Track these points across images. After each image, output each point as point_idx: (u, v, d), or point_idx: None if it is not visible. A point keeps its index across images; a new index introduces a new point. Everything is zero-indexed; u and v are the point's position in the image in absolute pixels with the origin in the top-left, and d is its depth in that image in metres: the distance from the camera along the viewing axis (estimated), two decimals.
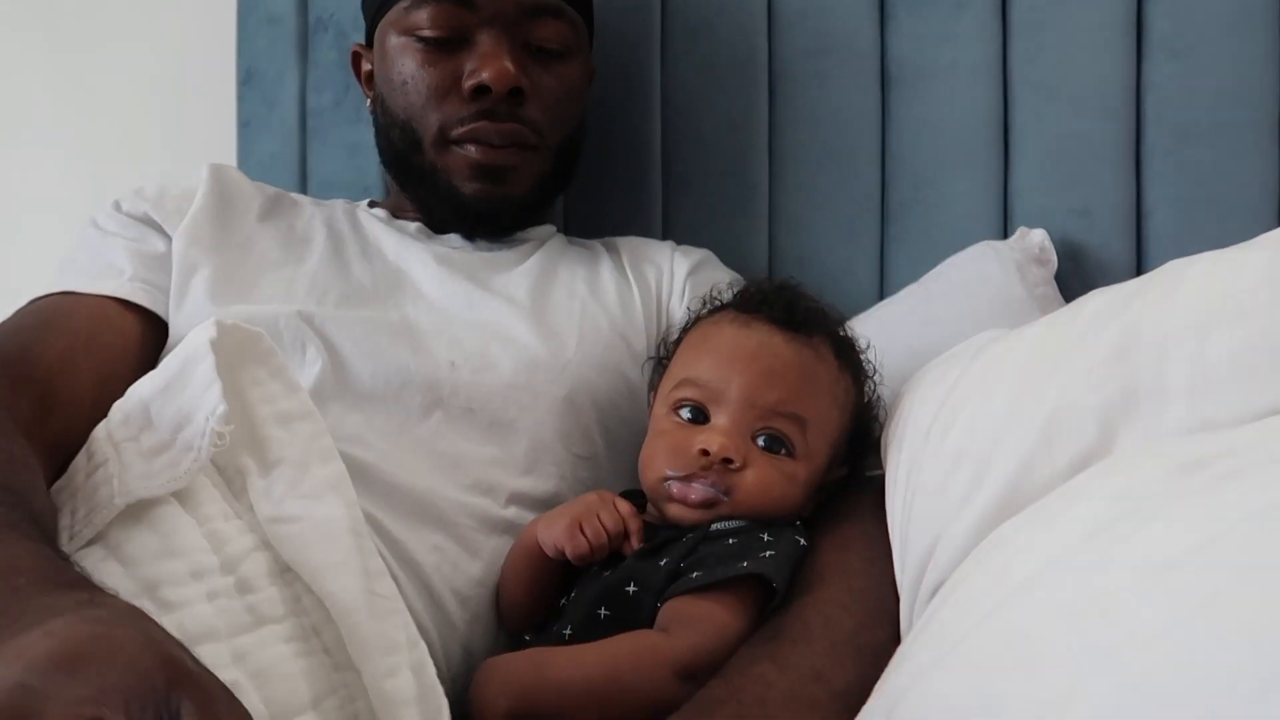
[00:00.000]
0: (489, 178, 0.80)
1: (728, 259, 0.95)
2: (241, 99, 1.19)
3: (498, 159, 0.79)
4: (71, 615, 0.38)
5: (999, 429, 0.49)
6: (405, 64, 0.81)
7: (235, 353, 0.60)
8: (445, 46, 0.80)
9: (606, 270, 0.85)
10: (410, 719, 0.51)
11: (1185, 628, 0.27)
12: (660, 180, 1.01)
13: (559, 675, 0.51)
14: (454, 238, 0.85)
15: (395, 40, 0.82)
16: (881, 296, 0.94)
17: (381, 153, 0.87)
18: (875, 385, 0.68)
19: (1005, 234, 0.90)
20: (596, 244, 0.91)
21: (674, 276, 0.85)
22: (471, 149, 0.79)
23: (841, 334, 0.67)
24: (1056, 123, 0.88)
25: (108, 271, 0.73)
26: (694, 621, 0.53)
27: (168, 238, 0.76)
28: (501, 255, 0.84)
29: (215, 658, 0.51)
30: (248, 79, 1.19)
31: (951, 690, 0.33)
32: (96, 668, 0.35)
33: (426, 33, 0.80)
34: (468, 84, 0.78)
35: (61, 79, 1.37)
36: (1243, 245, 0.48)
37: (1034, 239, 0.84)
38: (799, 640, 0.50)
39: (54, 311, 0.70)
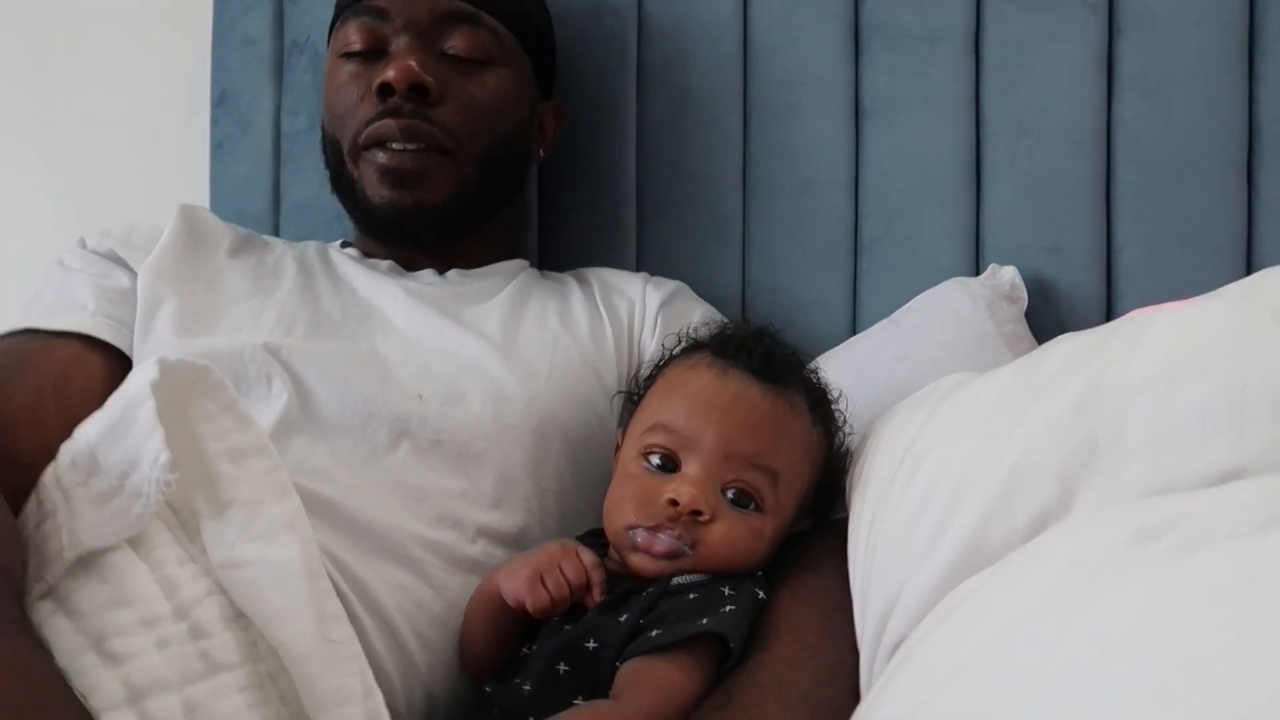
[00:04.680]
0: (398, 184, 0.79)
1: (701, 289, 0.95)
2: (215, 121, 1.18)
3: (403, 163, 0.78)
4: None
5: (962, 480, 0.48)
6: (334, 80, 0.83)
7: (183, 388, 0.59)
8: (366, 58, 0.81)
9: (578, 302, 0.84)
10: None
11: (1131, 716, 0.27)
12: (635, 209, 1.01)
13: None
14: (426, 274, 0.84)
15: (331, 62, 0.84)
16: (854, 329, 0.94)
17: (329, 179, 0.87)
18: (845, 436, 0.67)
19: (977, 268, 0.90)
20: (568, 276, 0.91)
21: (646, 309, 0.85)
22: (379, 154, 0.79)
23: (816, 384, 0.67)
24: (1028, 159, 0.88)
25: (71, 307, 0.72)
26: (648, 687, 0.52)
27: (133, 273, 0.75)
28: (473, 288, 0.83)
29: (166, 711, 0.50)
30: (221, 101, 1.18)
31: None
32: None
33: (351, 47, 0.82)
34: (374, 83, 0.79)
35: (33, 96, 1.35)
36: (1208, 296, 0.48)
37: (1004, 276, 0.84)
38: (750, 705, 0.50)
39: (22, 354, 0.68)
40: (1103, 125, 0.87)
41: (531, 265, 0.94)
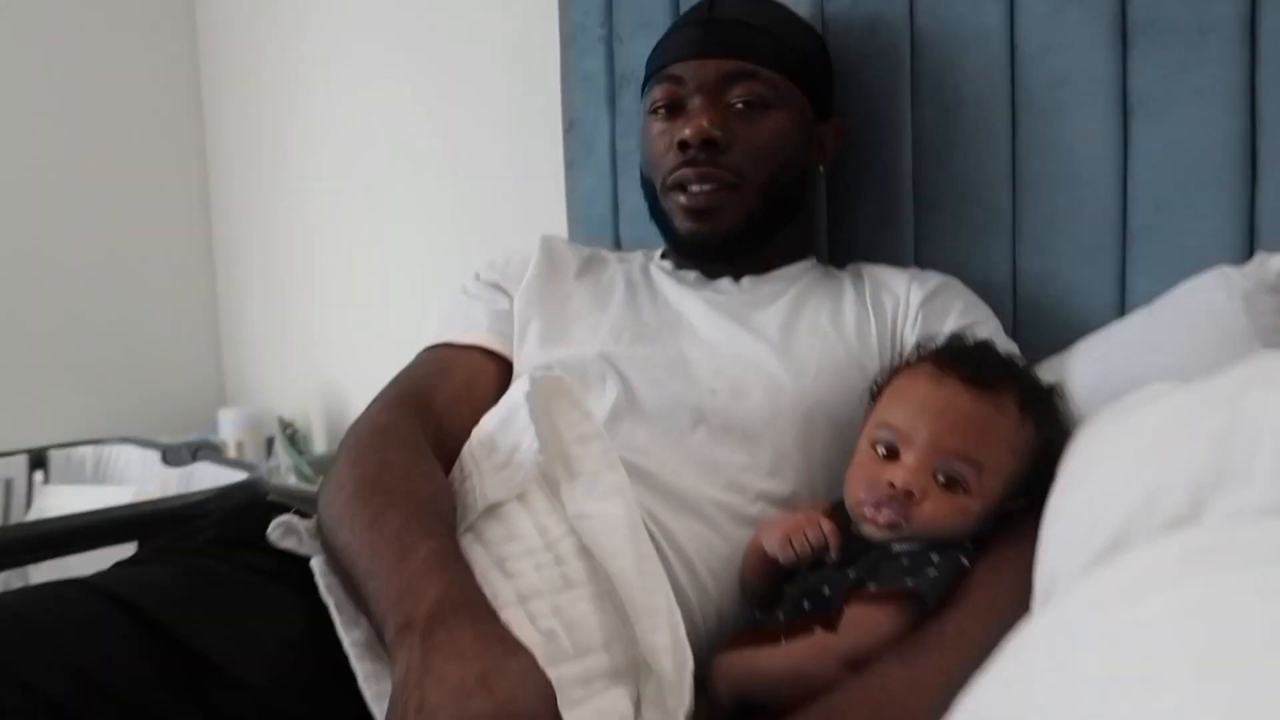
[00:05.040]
0: (695, 217, 0.99)
1: (974, 278, 1.05)
2: (566, 145, 1.46)
3: (699, 201, 0.98)
4: (477, 654, 0.60)
5: (1116, 490, 0.58)
6: (647, 131, 1.04)
7: (549, 392, 0.84)
8: (669, 114, 1.01)
9: (849, 302, 0.99)
10: (665, 663, 0.71)
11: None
12: (912, 206, 1.12)
13: (762, 670, 0.70)
14: (724, 281, 1.04)
15: (644, 116, 1.05)
16: (1122, 313, 0.99)
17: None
18: (1058, 429, 0.77)
19: (1250, 255, 0.91)
20: (845, 274, 1.05)
21: (909, 305, 0.98)
22: (680, 196, 0.99)
23: (1028, 385, 0.78)
24: None
25: (472, 326, 1.00)
26: (861, 625, 0.69)
27: (510, 298, 1.02)
28: (761, 293, 1.01)
29: (540, 609, 0.74)
30: (570, 128, 1.45)
31: (994, 701, 0.47)
32: (488, 703, 0.57)
33: (656, 105, 1.02)
34: (675, 139, 0.98)
35: (439, 141, 1.73)
36: None
37: (1272, 265, 0.86)
38: (930, 645, 0.64)
39: (445, 362, 0.97)
40: None
41: (820, 261, 1.11)
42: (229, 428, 2.06)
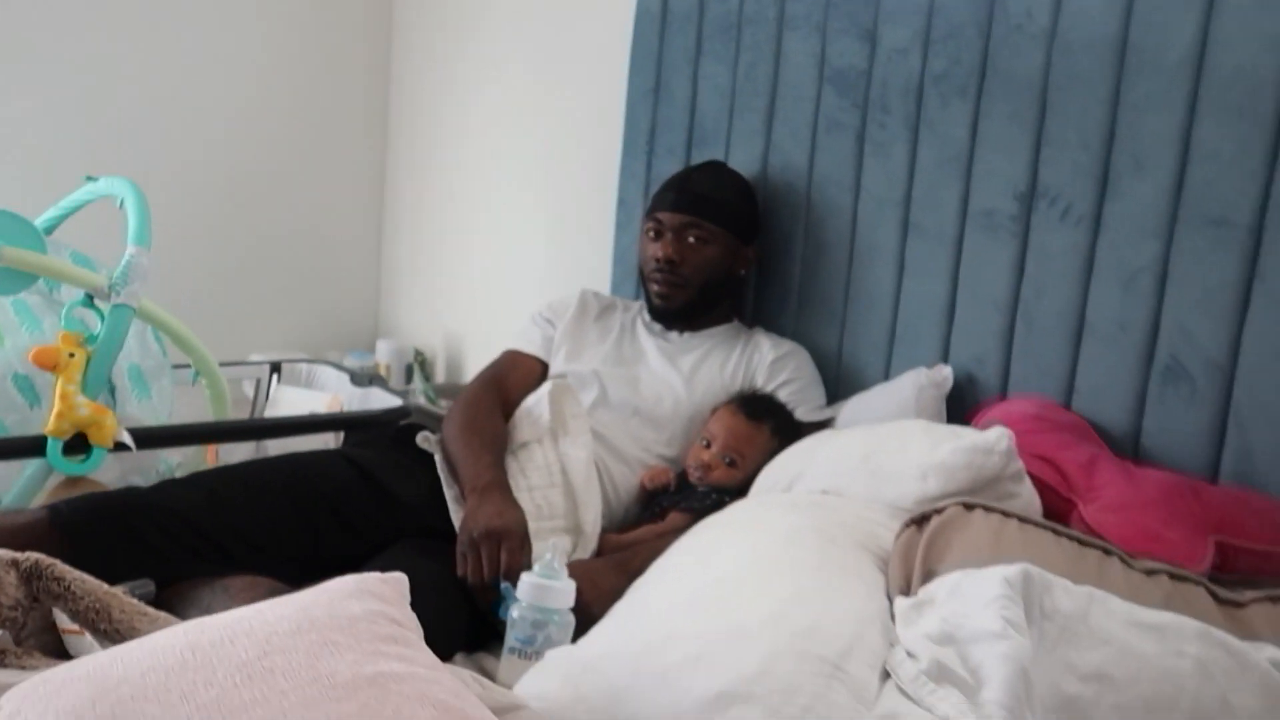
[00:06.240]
0: (659, 299, 1.80)
1: (814, 346, 1.84)
2: (617, 214, 2.28)
3: (661, 291, 1.79)
4: (497, 503, 1.46)
5: (774, 471, 1.42)
6: (642, 243, 1.84)
7: (559, 391, 1.68)
8: (654, 237, 1.80)
9: (735, 355, 1.79)
10: (588, 528, 1.55)
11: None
12: (797, 299, 1.91)
13: (622, 538, 1.54)
14: (673, 334, 1.85)
15: (641, 234, 1.85)
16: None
17: None
18: (792, 443, 1.56)
19: (946, 360, 1.67)
20: (744, 334, 1.85)
21: (764, 360, 1.77)
22: (653, 285, 1.80)
23: (782, 417, 1.59)
24: None
25: (531, 344, 1.85)
26: (671, 521, 1.50)
27: (555, 328, 1.86)
28: (689, 344, 1.82)
29: (537, 495, 1.58)
30: (620, 204, 2.27)
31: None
32: (497, 521, 1.42)
33: (648, 230, 1.82)
34: (655, 255, 1.78)
35: (531, 189, 2.57)
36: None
37: (942, 372, 1.62)
38: (688, 529, 1.46)
39: (514, 361, 1.83)
40: None
41: (742, 321, 1.91)
42: (383, 353, 2.97)
